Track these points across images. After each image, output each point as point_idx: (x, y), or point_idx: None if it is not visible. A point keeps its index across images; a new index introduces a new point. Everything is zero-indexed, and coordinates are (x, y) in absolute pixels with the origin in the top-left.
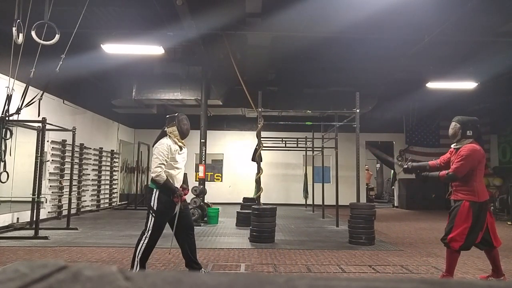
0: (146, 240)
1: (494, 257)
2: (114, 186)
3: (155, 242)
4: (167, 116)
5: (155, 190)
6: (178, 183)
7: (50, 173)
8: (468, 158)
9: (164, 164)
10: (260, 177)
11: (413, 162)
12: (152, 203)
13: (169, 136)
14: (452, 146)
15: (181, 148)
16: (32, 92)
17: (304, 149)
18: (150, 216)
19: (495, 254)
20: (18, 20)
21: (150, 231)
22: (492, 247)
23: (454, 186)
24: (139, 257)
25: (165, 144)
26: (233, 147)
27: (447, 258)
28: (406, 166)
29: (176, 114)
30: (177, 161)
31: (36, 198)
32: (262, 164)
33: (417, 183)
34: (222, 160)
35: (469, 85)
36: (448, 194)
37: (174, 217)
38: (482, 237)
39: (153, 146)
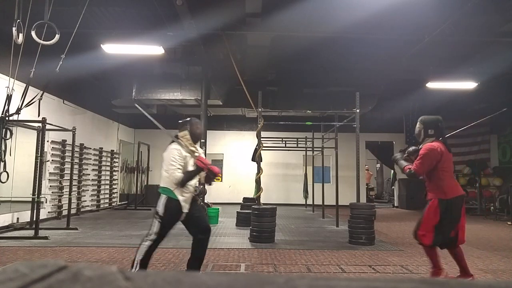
0: (148, 243)
1: (457, 256)
2: (114, 186)
3: (157, 246)
4: (179, 121)
5: (163, 195)
6: (190, 190)
7: (50, 173)
8: (425, 157)
9: (180, 169)
10: (260, 177)
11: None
12: (158, 208)
13: (180, 140)
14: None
15: (193, 152)
16: (32, 92)
17: (304, 149)
18: (156, 221)
19: (458, 252)
20: (18, 20)
21: (153, 236)
22: (455, 246)
23: (427, 186)
24: (139, 258)
25: (175, 150)
26: (233, 147)
27: (427, 255)
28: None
29: (188, 119)
30: (189, 168)
31: (36, 198)
32: (262, 164)
33: (417, 183)
34: (222, 160)
35: (469, 85)
36: (424, 195)
37: (188, 219)
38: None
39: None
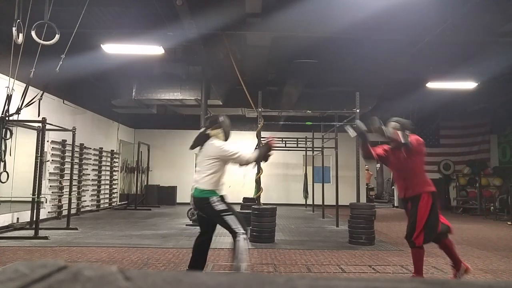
0: (243, 237)
1: (447, 247)
2: (114, 186)
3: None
4: (207, 117)
5: (213, 197)
6: (223, 188)
7: (50, 173)
8: (419, 142)
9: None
10: (260, 177)
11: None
12: (219, 207)
13: (215, 138)
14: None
15: None
16: (32, 92)
17: (304, 149)
18: (227, 217)
19: (447, 243)
20: (18, 20)
21: (240, 229)
22: (446, 236)
23: (409, 182)
24: (244, 257)
25: (225, 144)
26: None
27: (413, 257)
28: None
29: (218, 116)
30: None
31: (36, 198)
32: (262, 164)
33: None
34: None
35: (469, 85)
36: (402, 195)
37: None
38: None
39: (191, 148)
